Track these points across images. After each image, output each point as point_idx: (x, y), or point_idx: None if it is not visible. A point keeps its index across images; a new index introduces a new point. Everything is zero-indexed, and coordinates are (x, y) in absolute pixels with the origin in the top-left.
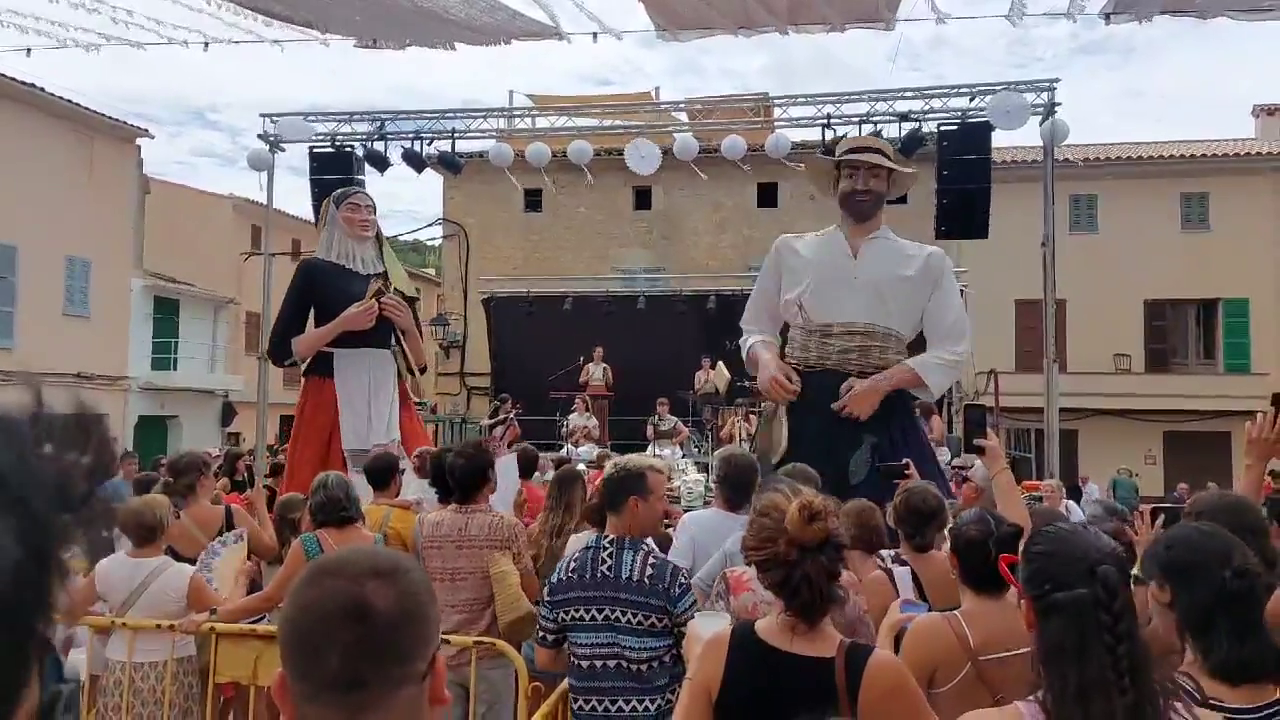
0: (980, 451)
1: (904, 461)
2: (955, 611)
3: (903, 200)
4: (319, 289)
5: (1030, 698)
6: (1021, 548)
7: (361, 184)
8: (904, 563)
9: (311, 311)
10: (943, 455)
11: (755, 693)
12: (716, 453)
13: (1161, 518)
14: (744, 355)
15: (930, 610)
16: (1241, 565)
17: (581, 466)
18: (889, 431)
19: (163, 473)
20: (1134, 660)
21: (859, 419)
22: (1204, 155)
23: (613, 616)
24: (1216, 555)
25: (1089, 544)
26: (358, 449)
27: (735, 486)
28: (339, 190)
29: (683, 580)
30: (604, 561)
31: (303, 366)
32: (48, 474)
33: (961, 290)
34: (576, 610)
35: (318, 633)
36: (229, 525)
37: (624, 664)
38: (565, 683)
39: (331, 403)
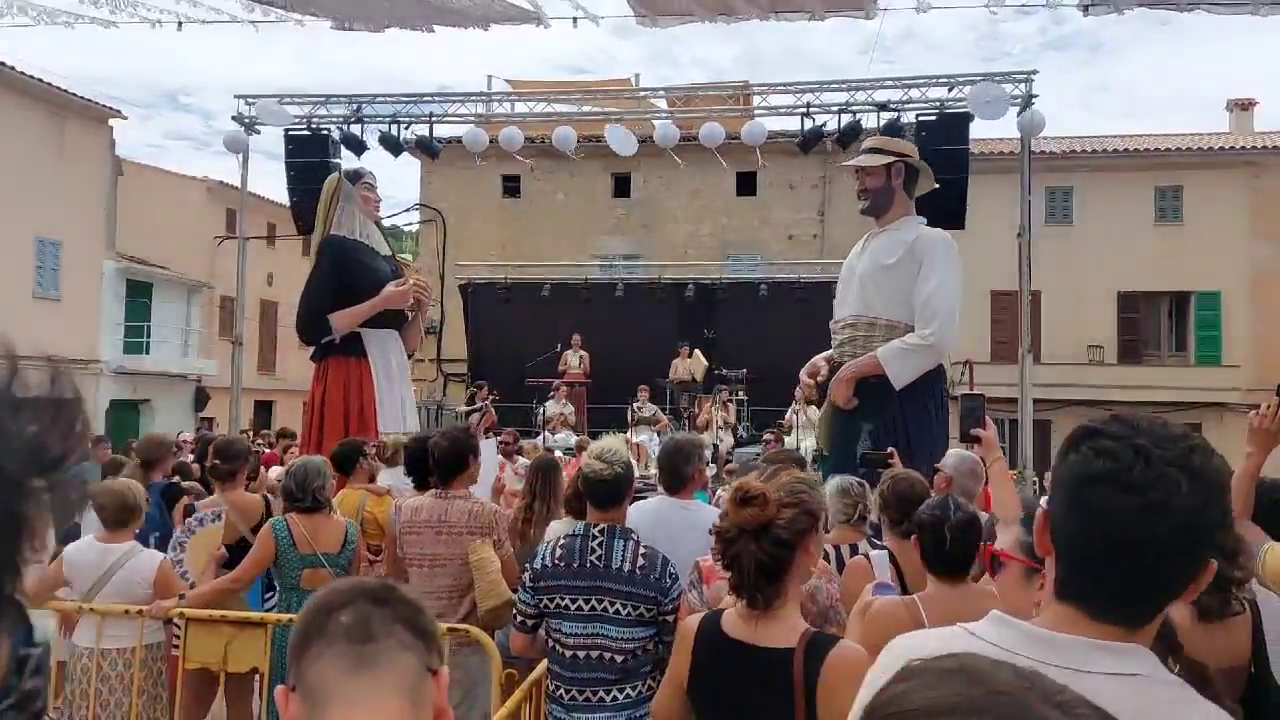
0: (976, 440)
1: (888, 450)
2: (915, 595)
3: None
4: (350, 266)
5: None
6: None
7: (338, 167)
8: (882, 546)
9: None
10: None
11: (719, 684)
12: None
13: None
14: None
15: (903, 595)
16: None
17: (559, 454)
18: (883, 418)
19: (187, 451)
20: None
21: (851, 408)
22: (1178, 149)
23: (599, 607)
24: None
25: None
26: (395, 432)
27: (668, 470)
28: (347, 168)
29: (672, 570)
30: (594, 550)
31: (312, 349)
32: (21, 437)
33: None
34: (561, 598)
35: (335, 602)
36: (268, 514)
37: (606, 655)
38: (538, 669)
39: (353, 384)
